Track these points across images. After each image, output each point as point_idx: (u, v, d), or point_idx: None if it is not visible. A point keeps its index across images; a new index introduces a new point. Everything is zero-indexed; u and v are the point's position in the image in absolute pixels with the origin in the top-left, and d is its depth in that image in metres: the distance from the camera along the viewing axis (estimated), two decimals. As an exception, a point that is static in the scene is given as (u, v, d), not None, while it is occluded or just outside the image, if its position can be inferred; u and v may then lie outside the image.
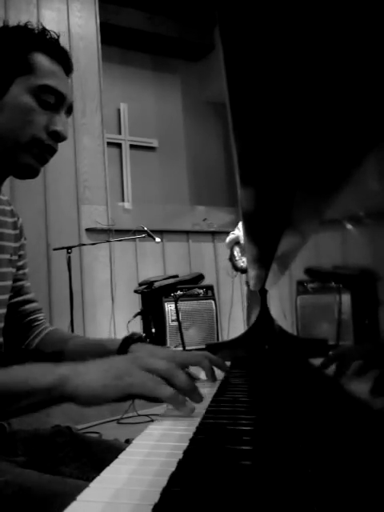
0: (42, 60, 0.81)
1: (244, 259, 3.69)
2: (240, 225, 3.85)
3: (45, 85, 0.80)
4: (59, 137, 0.82)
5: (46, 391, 0.59)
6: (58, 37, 0.85)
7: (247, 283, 3.80)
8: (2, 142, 0.78)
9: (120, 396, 0.59)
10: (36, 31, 0.83)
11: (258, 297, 3.89)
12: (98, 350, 0.88)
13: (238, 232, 3.75)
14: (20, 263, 0.95)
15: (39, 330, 0.97)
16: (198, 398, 0.62)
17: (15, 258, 0.92)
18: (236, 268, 3.80)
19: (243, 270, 3.74)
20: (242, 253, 3.72)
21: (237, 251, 3.77)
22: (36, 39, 0.82)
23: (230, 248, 3.83)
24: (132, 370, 0.60)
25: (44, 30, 0.83)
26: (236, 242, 3.77)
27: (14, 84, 0.78)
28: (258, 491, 0.35)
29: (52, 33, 0.84)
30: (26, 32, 0.82)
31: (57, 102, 0.82)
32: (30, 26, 0.83)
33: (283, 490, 0.35)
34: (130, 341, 0.86)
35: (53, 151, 0.83)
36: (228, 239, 3.86)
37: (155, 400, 0.60)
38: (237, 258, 3.76)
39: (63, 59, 0.84)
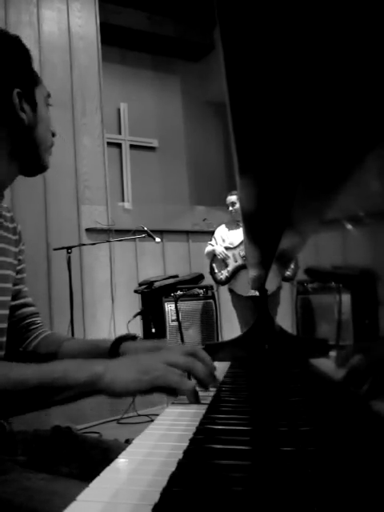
0: (35, 70, 0.88)
1: (223, 272, 3.79)
2: (216, 234, 3.91)
3: (48, 93, 0.89)
4: (54, 134, 0.91)
5: (82, 386, 0.66)
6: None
7: (230, 290, 3.85)
8: (35, 149, 0.86)
9: (148, 388, 0.66)
10: (14, 36, 0.86)
11: (245, 302, 3.86)
12: (91, 351, 0.92)
13: (215, 244, 3.84)
14: (19, 267, 0.96)
15: (36, 334, 0.98)
16: (216, 383, 0.76)
17: (15, 262, 0.93)
18: (216, 281, 3.89)
19: (223, 283, 3.84)
20: (220, 267, 3.82)
21: (215, 265, 3.86)
22: (25, 50, 0.86)
23: (209, 261, 3.91)
24: (157, 364, 0.67)
25: (18, 37, 0.87)
26: (213, 255, 3.86)
27: (36, 97, 0.85)
28: (258, 491, 0.35)
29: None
30: (19, 42, 0.86)
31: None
32: (8, 33, 0.86)
33: (283, 489, 0.35)
34: (121, 340, 0.88)
35: (52, 146, 0.92)
36: (206, 251, 3.94)
37: (175, 393, 0.68)
38: (216, 272, 3.86)
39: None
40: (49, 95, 0.89)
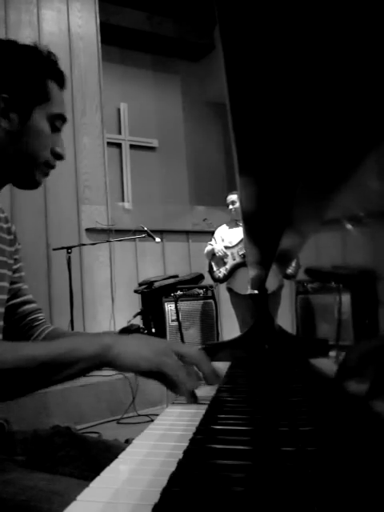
0: (54, 88, 0.87)
1: (221, 270, 3.81)
2: (216, 234, 3.91)
3: (59, 114, 0.88)
4: (61, 157, 0.90)
5: (91, 358, 0.67)
6: (57, 58, 0.91)
7: (229, 289, 3.85)
8: (21, 162, 0.85)
9: (152, 369, 0.67)
10: (44, 54, 0.88)
11: (244, 300, 3.84)
12: None
13: (215, 244, 3.85)
14: (16, 266, 0.97)
15: (41, 330, 0.98)
16: (218, 381, 0.75)
17: (11, 261, 0.93)
18: (214, 279, 3.90)
19: (221, 281, 3.85)
20: (218, 265, 3.84)
21: (213, 263, 3.88)
22: (48, 66, 0.87)
23: (208, 260, 3.92)
24: (168, 351, 0.69)
25: (50, 53, 0.88)
26: (212, 254, 3.87)
27: (34, 111, 0.84)
28: (258, 491, 0.35)
29: (54, 55, 0.89)
30: (41, 57, 0.87)
31: (62, 125, 0.90)
32: (39, 48, 0.88)
33: (283, 490, 0.35)
34: (126, 332, 0.89)
35: (53, 168, 0.91)
36: (205, 250, 3.95)
37: (174, 387, 0.68)
38: (214, 270, 3.86)
39: (64, 83, 0.91)
40: (62, 119, 0.88)
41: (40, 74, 0.85)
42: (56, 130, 0.88)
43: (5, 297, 0.90)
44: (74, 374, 0.68)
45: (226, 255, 3.78)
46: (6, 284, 0.90)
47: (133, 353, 0.67)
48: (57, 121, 0.87)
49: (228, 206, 3.86)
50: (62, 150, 0.89)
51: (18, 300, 0.97)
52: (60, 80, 0.88)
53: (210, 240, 3.99)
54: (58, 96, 0.88)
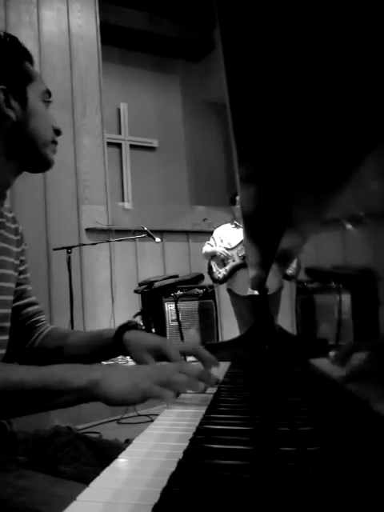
0: (30, 67, 0.88)
1: (221, 271, 3.80)
2: (215, 234, 3.89)
3: (46, 89, 0.89)
4: (60, 132, 0.91)
5: (79, 392, 0.66)
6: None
7: (229, 290, 3.84)
8: (33, 146, 0.87)
9: (141, 400, 0.67)
10: (6, 38, 0.87)
11: (243, 301, 3.82)
12: (96, 341, 0.93)
13: (214, 245, 3.83)
14: (21, 268, 0.97)
15: (41, 330, 0.99)
16: (212, 382, 0.72)
17: (17, 262, 0.93)
18: (214, 280, 3.89)
19: (221, 282, 3.84)
20: (219, 265, 3.83)
21: (213, 264, 3.86)
22: (17, 47, 0.88)
23: (207, 260, 3.91)
24: (156, 374, 0.68)
25: (6, 34, 0.88)
26: (212, 256, 3.86)
27: (28, 94, 0.85)
28: (258, 491, 0.35)
29: (10, 35, 0.89)
30: (12, 41, 0.87)
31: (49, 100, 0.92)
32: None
33: (283, 489, 0.35)
34: (124, 329, 0.90)
35: (56, 144, 0.92)
36: (204, 251, 3.92)
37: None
38: (214, 271, 3.85)
39: (32, 59, 0.91)
40: (48, 92, 0.90)
41: (17, 57, 0.86)
42: (47, 106, 0.90)
43: (11, 298, 0.90)
44: (60, 404, 0.68)
45: (228, 257, 3.76)
46: (12, 285, 0.90)
47: (119, 391, 0.66)
48: (46, 96, 0.89)
49: (236, 205, 3.80)
50: (57, 125, 0.91)
51: (23, 302, 0.98)
52: (29, 57, 0.89)
53: (208, 240, 3.96)
54: (37, 73, 0.89)
